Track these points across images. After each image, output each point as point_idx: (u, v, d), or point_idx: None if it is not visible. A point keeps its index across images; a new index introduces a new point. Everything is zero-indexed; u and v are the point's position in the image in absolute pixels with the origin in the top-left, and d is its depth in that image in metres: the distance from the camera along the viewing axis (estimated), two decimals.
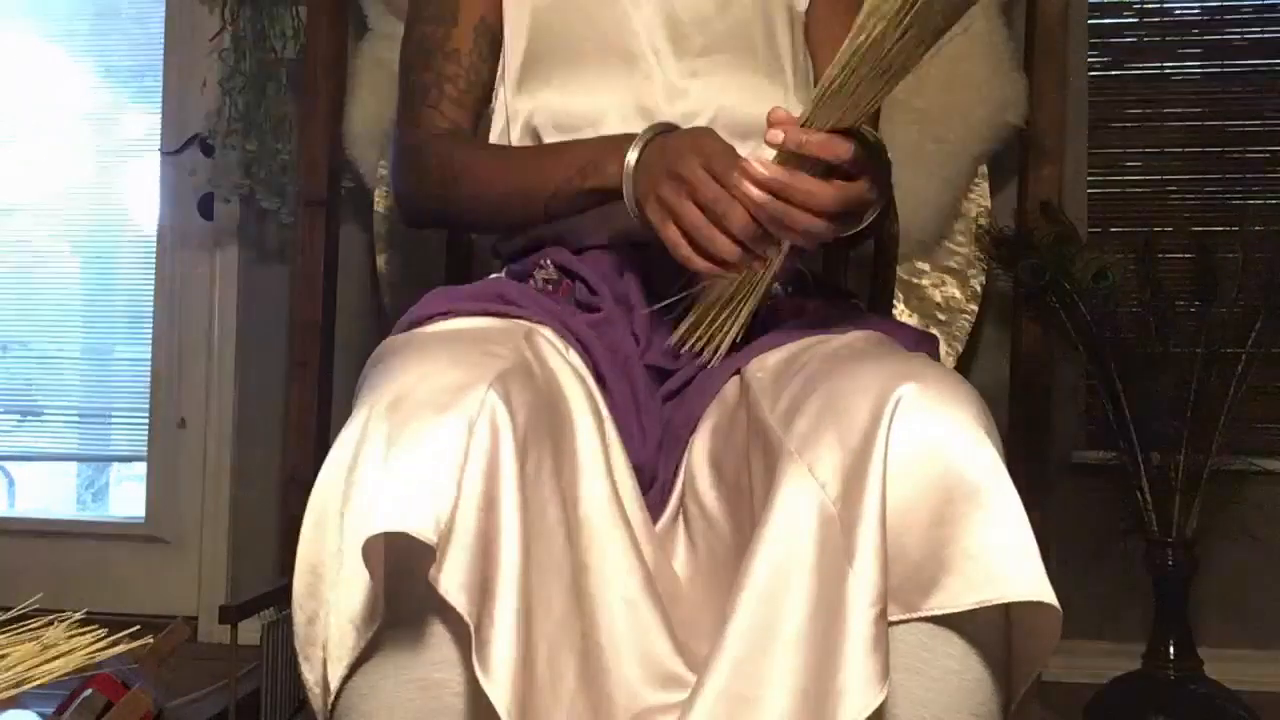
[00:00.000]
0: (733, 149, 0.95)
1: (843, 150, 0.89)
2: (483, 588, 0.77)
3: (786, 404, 0.89)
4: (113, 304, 2.67)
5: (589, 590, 0.86)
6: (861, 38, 0.86)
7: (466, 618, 0.75)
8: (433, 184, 1.19)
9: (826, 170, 0.91)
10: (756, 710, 0.77)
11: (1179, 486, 1.82)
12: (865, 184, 0.93)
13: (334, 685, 0.82)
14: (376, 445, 0.80)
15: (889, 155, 1.00)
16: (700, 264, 0.95)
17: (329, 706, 0.83)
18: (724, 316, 1.02)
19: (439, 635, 0.80)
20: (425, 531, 0.74)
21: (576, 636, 0.84)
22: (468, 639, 0.76)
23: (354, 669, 0.82)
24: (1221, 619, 2.10)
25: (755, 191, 0.90)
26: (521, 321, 1.01)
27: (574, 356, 1.00)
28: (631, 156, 1.01)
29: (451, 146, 1.20)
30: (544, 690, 0.80)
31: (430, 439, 0.78)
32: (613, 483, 0.90)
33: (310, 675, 0.84)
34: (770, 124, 0.91)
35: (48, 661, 0.78)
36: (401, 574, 0.78)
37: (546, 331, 1.00)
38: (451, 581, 0.75)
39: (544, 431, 0.85)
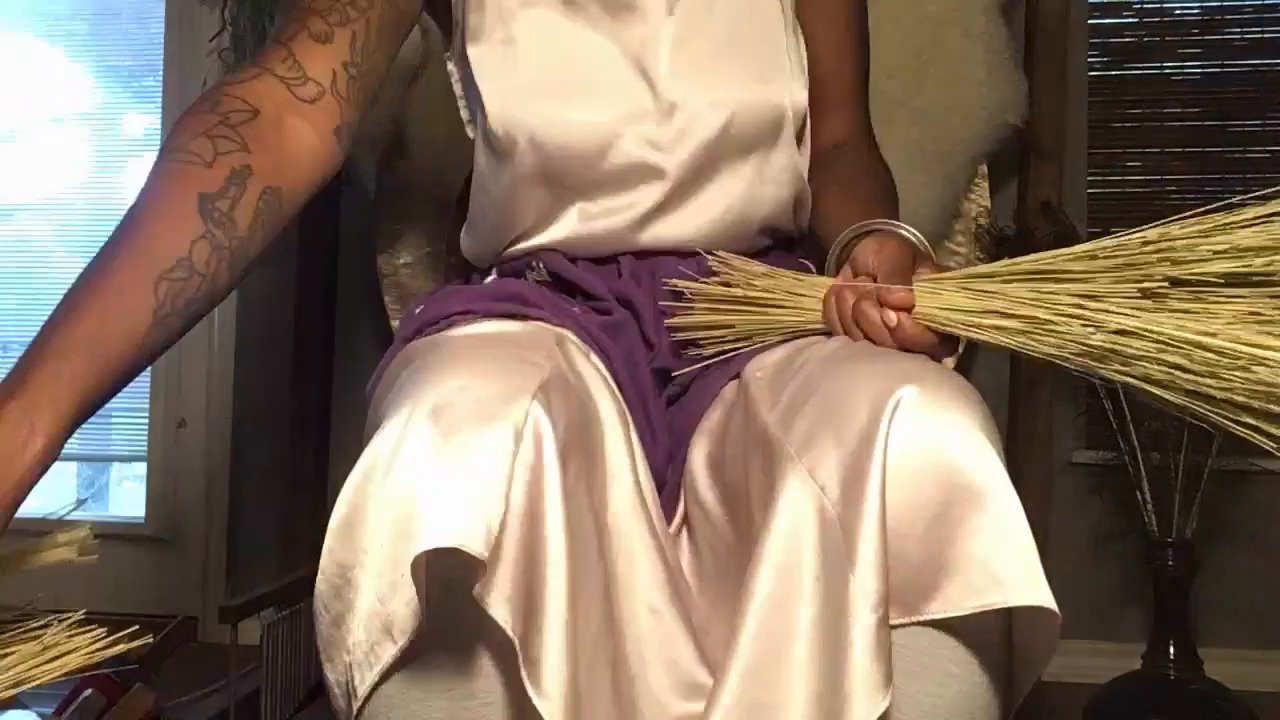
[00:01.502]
0: None
1: (932, 343, 0.91)
2: (528, 603, 0.76)
3: (785, 405, 0.88)
4: None
5: (617, 599, 0.85)
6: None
7: (511, 634, 0.74)
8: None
9: None
10: (776, 716, 0.77)
11: (1179, 486, 1.82)
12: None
13: (362, 691, 0.81)
14: (418, 453, 0.78)
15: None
16: None
17: (355, 711, 0.82)
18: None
19: (475, 647, 0.79)
20: (476, 546, 0.73)
21: (610, 648, 0.83)
22: (504, 650, 0.76)
23: (384, 676, 0.80)
24: (1221, 619, 2.10)
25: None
26: (547, 325, 1.00)
27: (596, 360, 0.99)
28: None
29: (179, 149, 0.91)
30: (586, 704, 0.79)
31: (478, 451, 0.77)
32: (640, 491, 0.89)
33: (332, 676, 0.83)
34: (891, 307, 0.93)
35: (48, 662, 0.78)
36: (439, 584, 0.77)
37: (572, 335, 1.00)
38: (497, 597, 0.75)
39: (579, 440, 0.85)
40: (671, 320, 1.04)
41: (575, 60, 1.11)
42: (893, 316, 0.91)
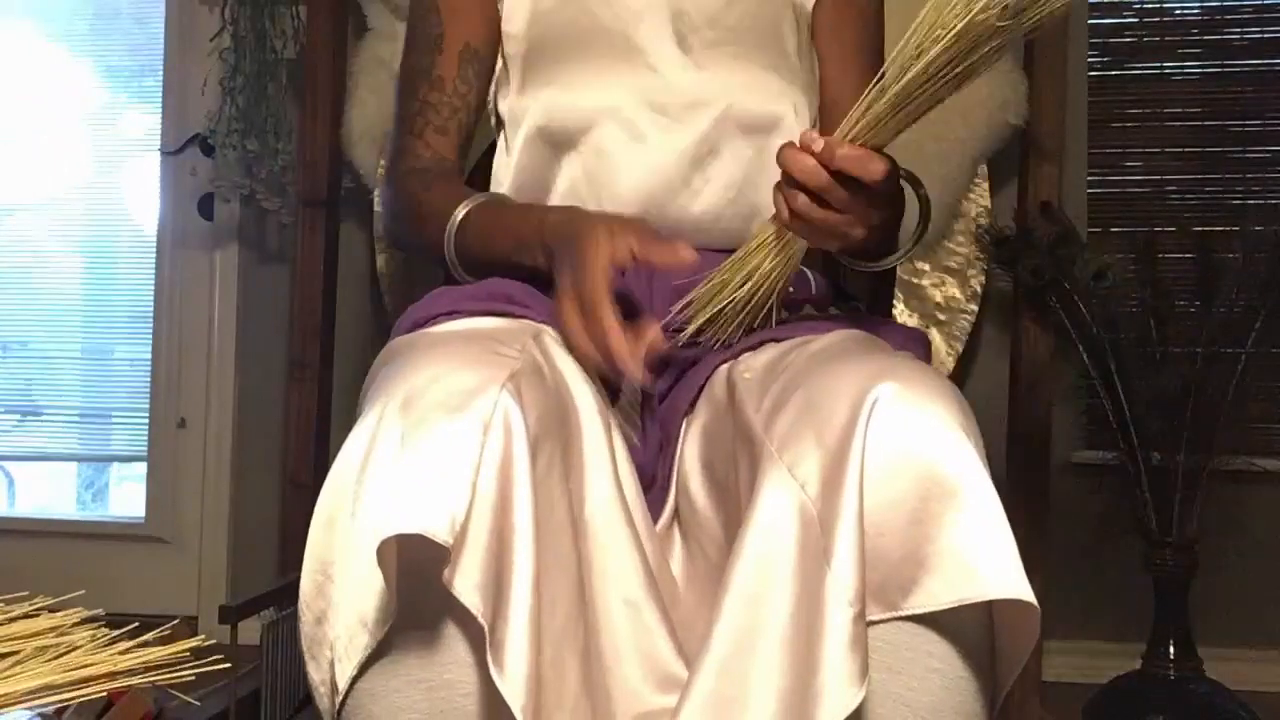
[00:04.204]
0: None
1: (876, 169, 0.89)
2: (496, 589, 0.77)
3: (770, 404, 0.89)
4: (113, 304, 2.67)
5: (592, 591, 0.86)
6: (915, 64, 0.86)
7: (480, 619, 0.75)
8: (404, 221, 1.20)
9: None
10: (742, 712, 0.78)
11: (1179, 486, 1.82)
12: (875, 212, 0.93)
13: (342, 686, 0.82)
14: (389, 446, 0.80)
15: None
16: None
17: (336, 707, 0.83)
18: (731, 308, 1.03)
19: (450, 636, 0.80)
20: (441, 534, 0.74)
21: (580, 638, 0.84)
22: (479, 640, 0.76)
23: (363, 669, 0.81)
24: (1221, 619, 2.10)
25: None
26: (529, 321, 1.01)
27: None
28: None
29: (422, 187, 1.18)
30: (550, 692, 0.80)
31: (444, 440, 0.78)
32: (618, 483, 0.90)
33: (316, 675, 0.84)
34: (803, 142, 0.91)
35: (72, 669, 0.78)
36: (412, 574, 0.78)
37: (552, 331, 1.00)
38: (465, 583, 0.75)
39: (554, 431, 0.85)
40: (677, 315, 1.06)
41: (593, 21, 1.15)
42: (814, 149, 0.89)
